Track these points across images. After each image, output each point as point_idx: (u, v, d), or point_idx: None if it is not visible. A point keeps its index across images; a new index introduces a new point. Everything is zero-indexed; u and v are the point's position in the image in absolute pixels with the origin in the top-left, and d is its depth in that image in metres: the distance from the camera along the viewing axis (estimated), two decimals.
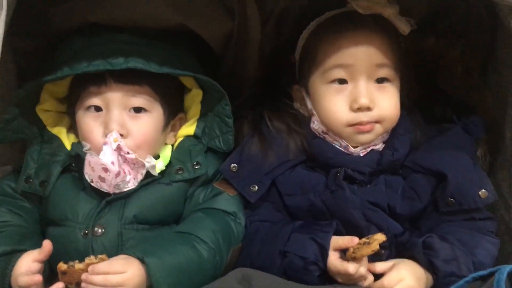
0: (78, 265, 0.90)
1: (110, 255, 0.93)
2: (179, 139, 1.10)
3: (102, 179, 0.99)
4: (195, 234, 0.98)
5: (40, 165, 1.05)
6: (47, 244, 0.93)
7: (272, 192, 1.07)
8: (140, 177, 1.02)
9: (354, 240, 0.92)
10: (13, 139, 1.06)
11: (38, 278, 0.90)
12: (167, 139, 1.09)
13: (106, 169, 0.97)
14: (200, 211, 1.04)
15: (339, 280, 0.95)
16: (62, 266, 0.90)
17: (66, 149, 1.06)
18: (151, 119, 1.03)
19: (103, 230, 0.99)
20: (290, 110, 1.10)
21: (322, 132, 1.07)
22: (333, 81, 1.03)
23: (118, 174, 0.98)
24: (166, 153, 1.08)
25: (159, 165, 1.04)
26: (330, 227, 0.97)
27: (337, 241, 0.95)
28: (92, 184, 1.00)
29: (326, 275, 0.96)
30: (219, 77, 1.13)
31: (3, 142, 1.07)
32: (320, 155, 1.06)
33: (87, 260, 0.90)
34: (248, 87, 1.19)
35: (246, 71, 1.20)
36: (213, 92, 1.06)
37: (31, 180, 1.05)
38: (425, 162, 1.04)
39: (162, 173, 1.05)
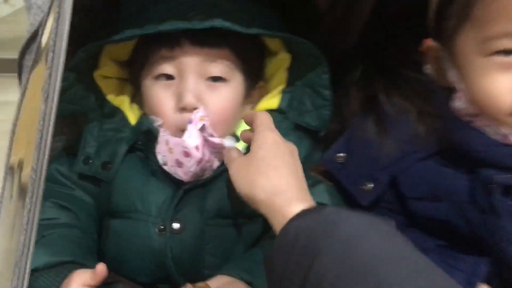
0: None
1: (187, 258, 0.80)
2: None
3: (180, 164, 0.81)
4: None
5: (102, 143, 0.87)
6: (101, 268, 0.73)
7: (388, 194, 0.80)
8: (217, 163, 0.84)
9: None
10: (68, 112, 0.87)
11: None
12: (244, 112, 0.89)
13: (188, 154, 0.80)
14: None
15: None
16: None
17: (130, 124, 0.88)
18: (231, 89, 0.85)
19: (182, 226, 0.81)
20: (416, 81, 0.81)
21: (470, 114, 0.76)
22: (497, 52, 0.70)
23: (200, 161, 0.81)
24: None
25: (241, 148, 0.85)
26: (476, 272, 0.70)
27: None
28: (164, 167, 0.83)
29: None
30: None
31: (57, 117, 0.87)
32: (463, 147, 0.75)
33: None
34: (346, 58, 0.93)
35: (349, 33, 0.96)
36: (306, 57, 0.86)
37: (91, 160, 0.86)
38: None
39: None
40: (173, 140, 0.81)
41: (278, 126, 0.85)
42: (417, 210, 0.78)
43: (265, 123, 0.78)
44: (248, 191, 0.72)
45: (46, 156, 0.66)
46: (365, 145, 0.80)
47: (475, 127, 0.75)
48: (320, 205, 0.83)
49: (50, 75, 0.65)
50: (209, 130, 0.81)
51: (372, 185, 0.79)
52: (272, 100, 0.90)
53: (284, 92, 0.90)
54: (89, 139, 0.87)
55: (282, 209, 0.67)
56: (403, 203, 0.79)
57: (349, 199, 0.82)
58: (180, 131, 0.82)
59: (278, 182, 0.70)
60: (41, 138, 0.66)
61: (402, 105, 0.80)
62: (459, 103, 0.76)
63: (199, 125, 0.80)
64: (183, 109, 0.81)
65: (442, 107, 0.78)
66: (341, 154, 0.82)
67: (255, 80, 0.89)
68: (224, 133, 0.85)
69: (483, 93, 0.72)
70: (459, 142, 0.75)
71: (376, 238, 0.58)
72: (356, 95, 0.85)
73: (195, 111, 0.81)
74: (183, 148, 0.80)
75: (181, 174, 0.82)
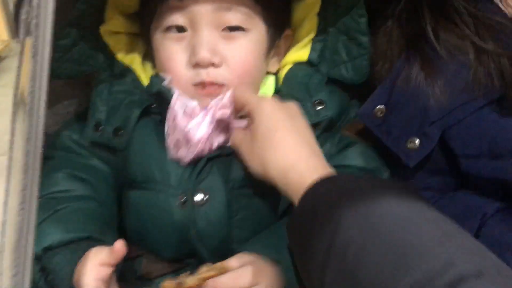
0: (189, 281, 0.65)
1: (214, 231, 0.73)
2: (286, 67, 0.82)
3: (177, 146, 0.74)
4: None
5: (113, 107, 0.79)
6: (119, 246, 0.66)
7: (435, 152, 0.69)
8: (217, 143, 0.76)
9: None
10: (75, 73, 0.80)
11: None
12: (269, 66, 0.81)
13: (189, 141, 0.73)
14: None
15: None
16: (168, 285, 0.65)
17: (143, 84, 0.80)
18: (251, 40, 0.76)
19: (206, 197, 0.74)
20: (474, 13, 0.68)
21: None
22: None
23: (200, 151, 0.74)
24: (268, 87, 0.81)
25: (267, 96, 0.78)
26: None
27: None
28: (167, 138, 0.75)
29: None
30: None
31: (62, 78, 0.80)
32: None
33: (201, 274, 0.66)
34: None
35: None
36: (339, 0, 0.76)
37: (101, 127, 0.78)
38: None
39: None
40: (179, 122, 0.74)
41: (311, 80, 0.78)
42: (472, 169, 0.67)
43: (255, 95, 0.73)
44: (262, 172, 0.68)
45: (41, 122, 0.58)
46: (409, 95, 0.70)
47: None
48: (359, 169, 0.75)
49: (37, 25, 0.56)
50: (230, 119, 0.73)
51: (419, 142, 0.68)
52: (302, 51, 0.81)
53: (314, 41, 0.81)
54: (99, 103, 0.79)
55: (297, 184, 0.63)
56: (453, 162, 0.68)
57: (391, 160, 0.72)
58: (193, 88, 0.74)
59: (286, 156, 0.66)
60: (32, 99, 0.58)
61: (456, 44, 0.68)
62: None
63: (218, 115, 0.73)
64: (197, 64, 0.73)
65: (507, 44, 0.65)
66: (381, 107, 0.71)
67: (280, 28, 0.80)
68: (247, 88, 0.76)
69: None
70: None
71: (398, 204, 0.54)
72: (398, 33, 0.74)
73: (218, 98, 0.74)
74: (184, 133, 0.73)
75: (174, 154, 0.74)
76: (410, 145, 0.69)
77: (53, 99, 0.82)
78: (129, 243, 0.68)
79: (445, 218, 0.53)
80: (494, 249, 0.49)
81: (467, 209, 0.66)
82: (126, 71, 0.80)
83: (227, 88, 0.74)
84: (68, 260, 0.68)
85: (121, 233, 0.78)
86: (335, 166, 0.70)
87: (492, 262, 0.46)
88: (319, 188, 0.59)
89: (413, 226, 0.50)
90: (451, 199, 0.70)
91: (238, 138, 0.72)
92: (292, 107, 0.71)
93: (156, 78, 0.77)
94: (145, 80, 0.80)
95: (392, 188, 0.57)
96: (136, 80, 0.80)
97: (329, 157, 0.75)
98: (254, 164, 0.69)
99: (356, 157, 0.77)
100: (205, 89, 0.74)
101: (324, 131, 0.77)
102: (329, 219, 0.54)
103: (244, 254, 0.69)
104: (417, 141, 0.69)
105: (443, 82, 0.68)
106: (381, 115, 0.71)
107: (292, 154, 0.66)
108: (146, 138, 0.77)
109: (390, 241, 0.49)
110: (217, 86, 0.74)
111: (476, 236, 0.62)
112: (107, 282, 0.65)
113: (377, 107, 0.71)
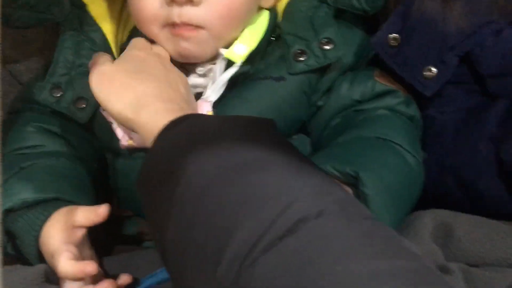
0: None
1: None
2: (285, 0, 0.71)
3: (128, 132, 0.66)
4: (393, 140, 0.65)
5: (79, 72, 0.69)
6: (102, 211, 0.60)
7: (462, 73, 0.66)
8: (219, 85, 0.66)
9: None
10: (34, 22, 0.69)
11: (92, 268, 0.56)
12: (262, 0, 0.69)
13: None
14: (377, 110, 0.68)
15: None
16: None
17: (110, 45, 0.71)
18: None
19: None
20: None
21: None
22: None
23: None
24: (258, 25, 0.69)
25: (239, 50, 0.66)
26: None
27: None
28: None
29: None
30: None
31: (21, 27, 0.69)
32: None
33: None
34: None
35: None
36: None
37: (61, 93, 0.69)
38: None
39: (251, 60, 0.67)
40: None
41: (316, 13, 0.68)
42: (500, 89, 0.65)
43: None
44: (117, 107, 0.60)
45: None
46: (426, 21, 0.65)
47: None
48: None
49: None
50: None
51: (436, 71, 0.65)
52: None
53: None
54: (61, 63, 0.69)
55: (149, 123, 0.56)
56: (482, 83, 0.66)
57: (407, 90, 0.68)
58: (165, 30, 0.65)
59: (144, 93, 0.59)
60: None
61: None
62: None
63: None
64: (173, 1, 0.62)
65: None
66: (394, 35, 0.66)
67: None
68: (230, 36, 0.65)
69: None
70: None
71: (249, 145, 0.48)
72: None
73: None
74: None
75: (124, 141, 0.66)
76: (428, 74, 0.65)
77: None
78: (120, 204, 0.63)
79: (299, 155, 0.49)
80: None
81: None
82: (97, 30, 0.70)
83: (207, 31, 0.64)
84: (32, 223, 0.61)
85: (112, 197, 0.71)
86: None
87: (337, 198, 0.43)
88: (169, 132, 0.53)
89: (259, 171, 0.45)
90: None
91: (98, 61, 0.64)
92: (163, 54, 0.65)
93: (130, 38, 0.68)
94: (120, 37, 0.71)
95: (245, 127, 0.52)
96: (105, 40, 0.70)
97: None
98: (108, 100, 0.61)
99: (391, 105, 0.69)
100: (174, 29, 0.64)
101: (341, 73, 0.69)
102: (173, 167, 0.48)
103: None
104: (434, 69, 0.65)
105: (461, 4, 0.64)
106: (395, 44, 0.66)
107: (150, 92, 0.59)
108: None
109: (230, 190, 0.44)
110: (192, 27, 0.63)
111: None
112: (79, 246, 0.59)
113: (390, 36, 0.66)
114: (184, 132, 0.51)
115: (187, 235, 0.44)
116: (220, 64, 0.65)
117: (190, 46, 0.63)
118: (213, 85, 0.65)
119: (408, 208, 0.64)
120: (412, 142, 0.67)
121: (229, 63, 0.66)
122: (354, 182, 0.61)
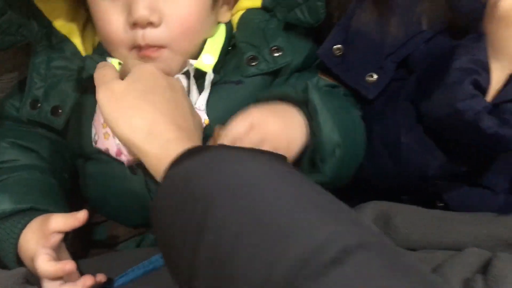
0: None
1: None
2: (239, 13, 0.77)
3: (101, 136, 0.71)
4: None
5: (51, 83, 0.74)
6: (81, 216, 0.64)
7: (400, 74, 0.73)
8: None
9: None
10: (7, 45, 0.73)
11: (70, 266, 0.61)
12: (220, 16, 0.76)
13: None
14: None
15: None
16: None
17: (83, 56, 0.75)
18: None
19: None
20: None
21: None
22: None
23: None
24: (217, 36, 0.75)
25: (207, 60, 0.72)
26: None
27: None
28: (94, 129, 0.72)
29: None
30: None
31: None
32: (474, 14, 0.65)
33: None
34: None
35: None
36: None
37: (39, 104, 0.74)
38: None
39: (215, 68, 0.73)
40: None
41: (267, 26, 0.75)
42: None
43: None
44: (126, 132, 0.60)
45: None
46: (363, 32, 0.72)
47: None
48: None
49: None
50: None
51: (377, 76, 0.71)
52: None
53: None
54: (36, 78, 0.74)
55: (159, 153, 0.57)
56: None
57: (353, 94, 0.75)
58: (132, 53, 0.70)
59: (154, 120, 0.59)
60: None
61: None
62: None
63: None
64: (135, 24, 0.68)
65: None
66: (338, 46, 0.73)
67: None
68: (191, 45, 0.72)
69: None
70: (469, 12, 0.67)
71: (273, 179, 0.49)
72: None
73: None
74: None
75: (101, 145, 0.71)
76: (369, 80, 0.72)
77: None
78: (92, 210, 0.67)
79: (323, 191, 0.49)
80: None
81: None
82: (65, 42, 0.75)
83: (169, 49, 0.69)
84: (10, 231, 0.65)
85: (83, 203, 0.76)
86: None
87: (371, 231, 0.44)
88: (187, 161, 0.52)
89: (293, 207, 0.45)
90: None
91: (105, 78, 0.64)
92: (174, 81, 0.67)
93: (91, 61, 0.71)
94: (86, 51, 0.75)
95: (265, 163, 0.51)
96: (76, 53, 0.75)
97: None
98: (116, 122, 0.60)
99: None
100: (141, 51, 0.69)
101: (290, 74, 0.75)
102: (199, 196, 0.48)
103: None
104: (375, 75, 0.72)
105: (396, 17, 0.70)
106: (339, 54, 0.72)
107: (161, 120, 0.59)
108: (87, 113, 0.73)
109: (268, 221, 0.44)
110: (155, 49, 0.69)
111: None
112: (56, 250, 0.63)
113: (335, 47, 0.73)
114: (207, 162, 0.51)
115: (223, 263, 0.44)
116: (192, 74, 0.71)
117: (158, 65, 0.67)
118: (203, 93, 0.71)
119: (351, 143, 0.69)
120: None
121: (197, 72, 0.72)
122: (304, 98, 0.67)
